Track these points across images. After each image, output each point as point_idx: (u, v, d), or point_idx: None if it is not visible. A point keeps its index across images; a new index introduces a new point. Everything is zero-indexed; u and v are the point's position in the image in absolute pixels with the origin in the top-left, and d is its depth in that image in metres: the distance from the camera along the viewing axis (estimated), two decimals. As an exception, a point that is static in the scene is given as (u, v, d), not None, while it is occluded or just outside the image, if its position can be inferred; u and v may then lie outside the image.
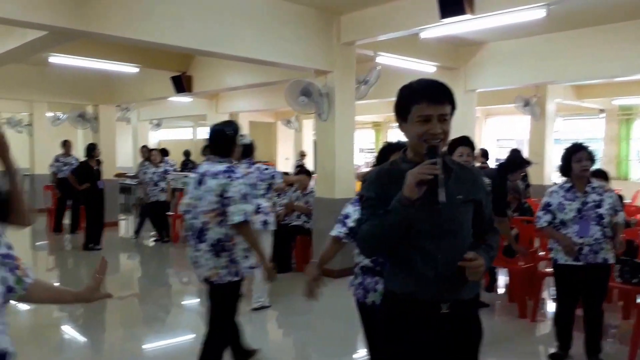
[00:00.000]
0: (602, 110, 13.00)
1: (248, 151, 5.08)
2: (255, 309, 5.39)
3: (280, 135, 17.67)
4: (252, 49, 6.17)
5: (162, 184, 9.27)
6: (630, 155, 12.91)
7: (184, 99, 12.87)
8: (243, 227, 3.22)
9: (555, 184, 4.12)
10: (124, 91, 11.35)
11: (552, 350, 4.24)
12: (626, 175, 12.82)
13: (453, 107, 1.95)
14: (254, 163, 5.23)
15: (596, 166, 10.90)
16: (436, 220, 1.92)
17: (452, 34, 7.29)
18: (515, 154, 6.71)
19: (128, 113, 13.83)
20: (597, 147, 13.72)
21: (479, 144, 15.97)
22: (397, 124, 2.02)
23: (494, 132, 16.09)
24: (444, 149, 1.98)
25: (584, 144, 4.06)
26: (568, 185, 4.03)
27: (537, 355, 4.28)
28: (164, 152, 10.56)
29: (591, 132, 13.73)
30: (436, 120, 1.89)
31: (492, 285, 6.18)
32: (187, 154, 15.58)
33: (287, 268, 7.07)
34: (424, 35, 6.59)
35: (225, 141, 3.39)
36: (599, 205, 3.90)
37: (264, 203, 5.25)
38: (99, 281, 1.81)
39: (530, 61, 8.11)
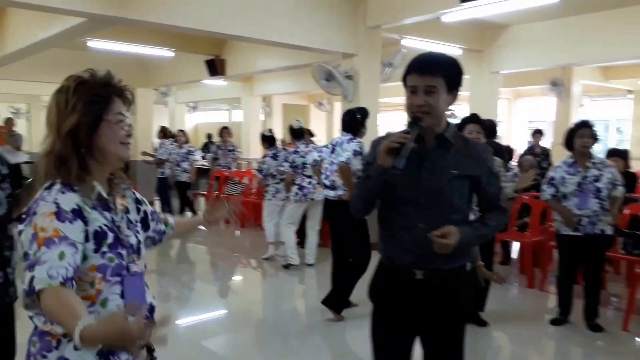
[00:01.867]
0: (630, 91, 12.83)
1: (300, 134, 6.40)
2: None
3: (312, 117, 17.94)
4: (282, 33, 6.46)
5: (185, 165, 9.31)
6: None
7: (218, 82, 13.25)
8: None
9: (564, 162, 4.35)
10: (160, 75, 11.75)
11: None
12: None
13: (450, 81, 1.92)
14: (307, 144, 6.34)
15: (623, 146, 10.88)
16: (423, 190, 1.95)
17: (474, 17, 7.44)
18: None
19: (165, 96, 14.29)
20: (625, 128, 13.57)
21: (510, 125, 16.00)
22: None
23: (524, 113, 16.03)
24: (435, 120, 1.94)
25: (590, 122, 4.25)
26: (571, 160, 4.25)
27: (542, 321, 4.51)
28: (208, 137, 10.19)
29: (619, 113, 13.57)
30: (422, 92, 1.90)
31: (507, 259, 6.41)
32: (209, 136, 16.06)
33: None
34: (445, 19, 6.77)
35: (354, 122, 4.62)
36: (597, 179, 4.12)
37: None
38: (213, 207, 2.02)
39: (554, 43, 8.16)
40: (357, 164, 4.41)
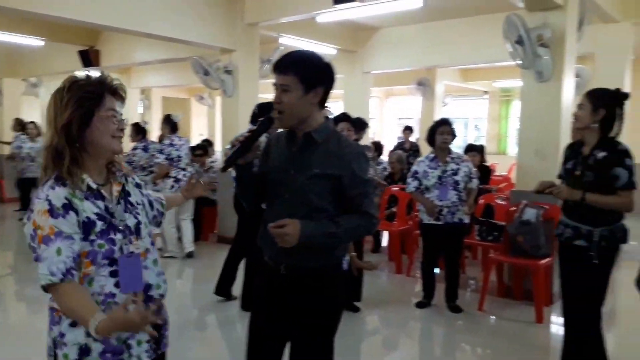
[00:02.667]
0: (485, 92, 13.93)
1: (175, 127, 6.36)
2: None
3: (194, 111, 17.41)
4: (158, 26, 6.15)
5: (40, 160, 8.50)
6: (509, 132, 13.95)
7: (93, 74, 12.33)
8: None
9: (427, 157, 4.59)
10: (30, 65, 10.77)
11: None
12: (504, 151, 13.88)
13: (306, 79, 1.88)
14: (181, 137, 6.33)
15: (480, 142, 11.57)
16: (288, 186, 1.95)
17: (347, 18, 7.60)
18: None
19: (36, 87, 13.07)
20: (482, 125, 14.73)
21: (381, 122, 16.66)
22: None
23: (394, 111, 16.77)
24: (287, 118, 1.93)
25: (449, 120, 4.51)
26: (432, 155, 4.47)
27: (409, 304, 4.72)
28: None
29: (477, 111, 14.69)
30: (278, 90, 1.91)
31: (377, 247, 6.65)
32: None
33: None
34: (320, 19, 6.83)
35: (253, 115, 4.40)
36: (456, 173, 4.38)
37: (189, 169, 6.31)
38: (195, 180, 2.11)
39: (420, 46, 8.61)
40: None
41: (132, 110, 13.58)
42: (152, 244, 1.76)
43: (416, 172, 4.50)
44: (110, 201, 1.65)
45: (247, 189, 2.10)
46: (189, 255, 6.32)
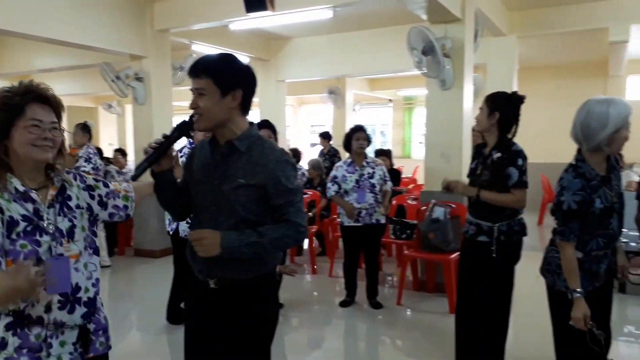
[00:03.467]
0: (390, 100, 14.42)
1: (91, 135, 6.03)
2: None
3: (102, 120, 16.50)
4: (61, 30, 5.71)
5: None
6: (412, 138, 14.52)
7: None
8: None
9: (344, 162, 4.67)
10: None
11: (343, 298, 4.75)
12: (409, 155, 14.43)
13: (222, 82, 1.78)
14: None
15: (386, 147, 11.92)
16: (213, 197, 1.85)
17: (260, 27, 7.56)
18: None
19: None
20: (387, 132, 15.24)
21: (296, 129, 16.72)
22: None
23: (307, 118, 16.91)
24: (206, 123, 1.83)
25: (363, 127, 4.59)
26: (349, 160, 4.54)
27: (332, 304, 4.75)
28: None
29: (383, 118, 15.19)
30: (194, 94, 1.81)
31: (300, 250, 6.64)
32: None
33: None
34: (233, 27, 6.74)
35: None
36: (372, 176, 4.48)
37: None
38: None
39: (330, 56, 8.74)
40: None
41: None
42: (88, 247, 1.74)
43: (335, 177, 4.54)
44: (40, 204, 1.65)
45: (169, 199, 1.96)
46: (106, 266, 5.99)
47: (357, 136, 4.46)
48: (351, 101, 11.60)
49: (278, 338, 3.90)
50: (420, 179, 9.14)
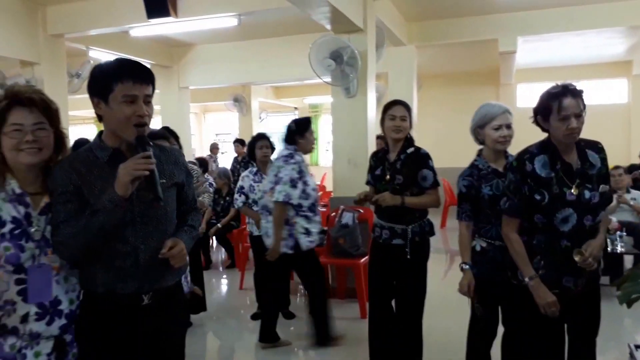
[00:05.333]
0: (296, 108, 14.61)
1: None
2: None
3: None
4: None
5: None
6: (319, 145, 14.77)
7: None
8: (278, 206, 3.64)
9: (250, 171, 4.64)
10: None
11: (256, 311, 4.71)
12: (316, 162, 14.68)
13: (153, 91, 1.77)
14: None
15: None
16: (136, 208, 1.72)
17: (162, 34, 7.37)
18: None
19: None
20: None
21: (200, 138, 16.39)
22: (94, 106, 1.71)
23: (213, 126, 16.65)
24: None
25: (266, 135, 4.59)
26: (255, 169, 4.53)
27: (245, 316, 4.71)
28: None
29: (290, 126, 15.36)
30: (142, 102, 1.68)
31: (208, 264, 6.52)
32: None
33: None
34: (133, 33, 6.52)
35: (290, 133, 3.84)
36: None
37: None
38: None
39: (234, 63, 8.71)
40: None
41: None
42: (75, 263, 1.74)
43: (242, 188, 4.51)
44: (32, 209, 1.67)
45: (108, 230, 1.67)
46: None
47: (260, 144, 4.46)
48: (257, 109, 11.61)
49: (191, 354, 3.82)
50: (329, 186, 9.33)
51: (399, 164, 3.09)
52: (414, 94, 7.95)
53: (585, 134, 2.20)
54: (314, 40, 5.07)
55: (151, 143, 1.71)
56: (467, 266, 2.61)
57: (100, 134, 1.78)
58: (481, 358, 2.81)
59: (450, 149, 9.47)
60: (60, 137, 1.76)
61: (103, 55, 7.51)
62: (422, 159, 3.09)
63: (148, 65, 6.08)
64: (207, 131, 16.47)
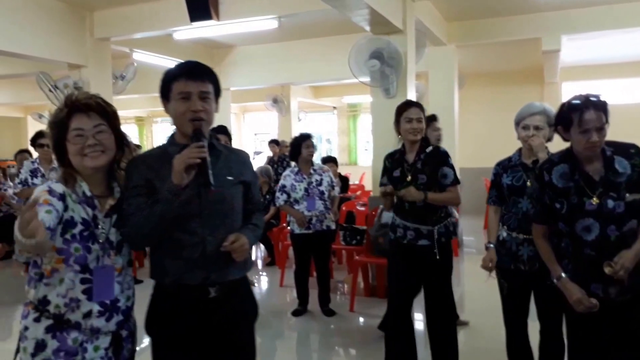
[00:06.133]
0: (334, 107, 14.67)
1: None
2: None
3: (31, 130, 15.79)
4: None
5: None
6: (358, 144, 14.82)
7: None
8: None
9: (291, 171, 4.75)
10: None
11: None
12: (355, 161, 14.70)
13: (217, 89, 1.87)
14: None
15: (332, 154, 12.10)
16: (205, 202, 1.82)
17: (204, 36, 7.57)
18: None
19: None
20: (333, 139, 15.48)
21: (240, 137, 16.69)
22: (164, 108, 1.89)
23: (251, 126, 16.90)
24: (209, 129, 1.87)
25: (311, 135, 4.72)
26: (297, 169, 4.65)
27: (285, 314, 4.81)
28: None
29: (328, 126, 15.42)
30: (197, 97, 1.79)
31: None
32: None
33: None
34: (177, 36, 6.72)
35: None
36: (320, 183, 4.61)
37: None
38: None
39: (274, 64, 8.85)
40: None
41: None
42: (129, 263, 1.85)
43: (284, 186, 4.64)
44: (99, 212, 1.76)
45: (172, 218, 1.78)
46: None
47: (307, 144, 4.59)
48: (296, 109, 11.74)
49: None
50: (368, 185, 9.38)
51: (419, 163, 3.13)
52: (455, 93, 7.91)
53: (631, 135, 2.18)
54: (353, 41, 5.14)
55: (216, 138, 1.90)
56: (492, 245, 2.79)
57: (173, 133, 1.93)
58: (519, 336, 2.82)
59: (493, 148, 9.30)
60: (120, 137, 1.83)
61: (146, 58, 7.78)
62: (443, 157, 3.15)
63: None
64: (247, 131, 16.73)
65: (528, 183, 2.65)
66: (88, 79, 6.54)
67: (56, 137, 1.76)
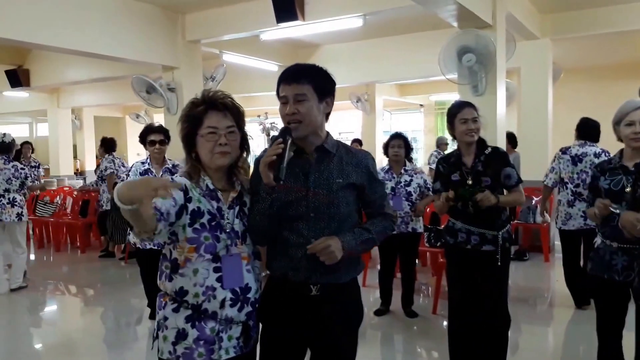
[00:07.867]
0: (421, 105, 14.52)
1: (6, 149, 5.85)
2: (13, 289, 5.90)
3: (130, 130, 16.96)
4: (94, 43, 6.04)
5: None
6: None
7: (20, 94, 11.86)
8: None
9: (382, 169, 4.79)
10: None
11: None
12: (442, 161, 14.48)
13: (320, 89, 1.88)
14: (10, 160, 5.90)
15: (418, 153, 11.99)
16: (311, 204, 1.89)
17: (289, 36, 7.80)
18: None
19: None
20: (419, 137, 15.32)
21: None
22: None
23: (335, 125, 17.13)
24: (309, 129, 1.89)
25: (401, 134, 4.75)
26: (387, 167, 4.72)
27: (367, 313, 4.86)
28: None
29: (414, 124, 15.29)
30: (292, 101, 1.85)
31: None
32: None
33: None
34: (263, 37, 6.98)
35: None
36: (408, 184, 4.64)
37: (19, 197, 5.85)
38: None
39: (359, 62, 8.94)
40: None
41: (63, 132, 13.15)
42: (256, 255, 1.96)
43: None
44: (223, 204, 1.89)
45: (273, 215, 1.90)
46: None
47: (393, 144, 4.64)
48: (380, 107, 11.76)
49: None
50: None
51: (480, 166, 3.09)
52: (549, 90, 7.60)
53: None
54: (440, 37, 5.11)
55: (291, 135, 1.86)
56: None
57: None
58: (611, 349, 2.75)
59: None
60: (244, 138, 1.95)
61: (235, 59, 8.14)
62: (503, 157, 3.12)
63: (276, 67, 6.52)
64: (331, 130, 16.94)
65: (627, 189, 2.55)
66: (180, 80, 6.97)
67: (187, 131, 1.86)
